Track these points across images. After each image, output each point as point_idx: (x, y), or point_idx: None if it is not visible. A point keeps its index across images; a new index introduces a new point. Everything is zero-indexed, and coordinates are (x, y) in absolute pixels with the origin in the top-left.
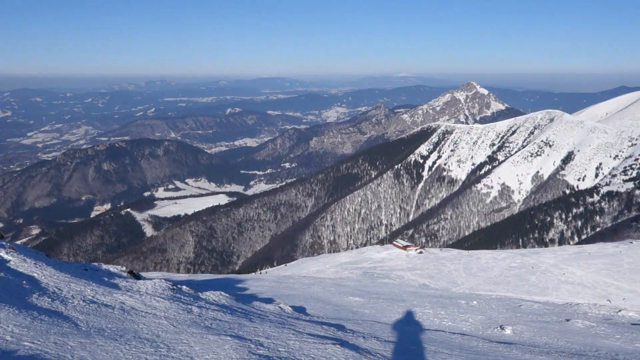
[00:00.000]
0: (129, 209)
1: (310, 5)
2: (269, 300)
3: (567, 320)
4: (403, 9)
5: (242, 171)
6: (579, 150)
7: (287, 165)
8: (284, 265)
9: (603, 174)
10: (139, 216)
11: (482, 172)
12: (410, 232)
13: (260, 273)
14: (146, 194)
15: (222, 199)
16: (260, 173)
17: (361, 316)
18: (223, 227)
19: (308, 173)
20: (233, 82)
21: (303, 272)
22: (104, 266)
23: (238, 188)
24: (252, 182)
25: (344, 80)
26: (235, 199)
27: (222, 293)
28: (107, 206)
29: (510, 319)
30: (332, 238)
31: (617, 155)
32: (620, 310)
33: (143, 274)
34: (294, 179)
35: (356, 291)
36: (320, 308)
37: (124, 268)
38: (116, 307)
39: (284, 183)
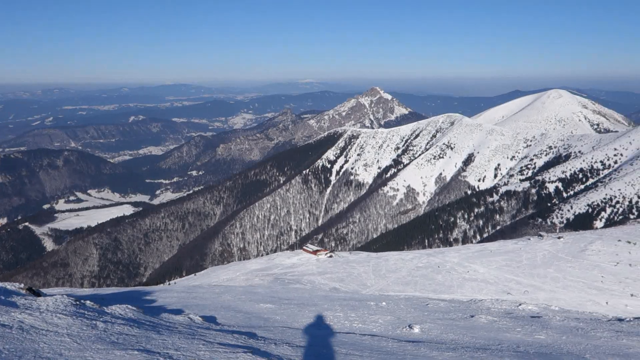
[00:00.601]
0: (26, 223)
1: (212, 9)
2: (178, 311)
3: (472, 316)
4: (306, 15)
5: (147, 180)
6: (478, 152)
7: (194, 173)
8: (193, 275)
9: (501, 174)
10: (38, 230)
11: (388, 175)
12: (320, 236)
13: (169, 284)
14: (45, 206)
15: (127, 210)
16: (167, 182)
17: (273, 323)
18: (129, 239)
19: (216, 180)
20: (136, 89)
21: (213, 281)
22: (0, 284)
23: (144, 198)
24: (158, 191)
25: (250, 86)
26: (140, 209)
27: (129, 306)
28: (3, 221)
29: (418, 318)
30: (242, 245)
31: (513, 156)
32: (520, 304)
33: (44, 290)
34: (202, 187)
35: (267, 298)
36: (231, 317)
37: (22, 285)
38: (14, 326)
39: (191, 191)
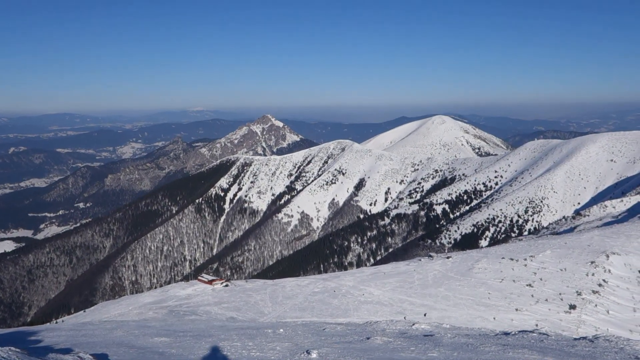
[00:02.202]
0: None
1: (95, 35)
2: (67, 351)
3: (368, 338)
4: (195, 42)
5: (30, 214)
6: (369, 177)
7: (81, 205)
8: (82, 311)
9: (392, 197)
10: None
11: (282, 201)
12: (215, 265)
13: (57, 322)
14: None
15: (9, 246)
16: (52, 215)
17: (168, 357)
18: (10, 277)
19: (105, 212)
20: (16, 119)
21: (104, 316)
22: None
23: (26, 232)
24: (42, 225)
25: (139, 114)
26: (23, 244)
27: (12, 348)
28: None
29: (316, 343)
30: (134, 278)
31: (402, 180)
32: (414, 324)
33: None
34: (90, 219)
35: (162, 331)
36: (124, 353)
37: None
38: None
39: (78, 224)
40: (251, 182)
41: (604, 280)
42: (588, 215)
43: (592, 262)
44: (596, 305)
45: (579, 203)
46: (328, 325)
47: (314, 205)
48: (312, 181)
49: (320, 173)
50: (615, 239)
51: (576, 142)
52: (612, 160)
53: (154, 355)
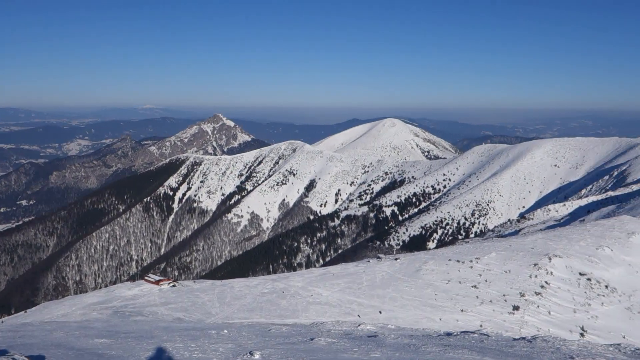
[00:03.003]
0: None
1: (42, 28)
2: (2, 352)
3: (312, 339)
4: (144, 38)
5: None
6: (320, 178)
7: (24, 202)
8: (23, 312)
9: (342, 199)
10: None
11: (232, 202)
12: (163, 265)
13: None
14: None
15: None
16: None
17: (107, 358)
18: None
19: (49, 210)
20: None
21: (46, 317)
22: None
23: None
24: None
25: (87, 111)
26: None
27: None
28: None
29: (260, 344)
30: (78, 278)
31: (353, 182)
32: (359, 325)
33: None
34: (33, 217)
35: (103, 332)
36: (62, 354)
37: None
38: None
39: (20, 222)
40: (201, 182)
41: (546, 282)
42: (532, 219)
43: (535, 265)
44: (538, 306)
45: (523, 207)
46: (274, 326)
47: (264, 206)
48: (263, 182)
49: (271, 173)
50: (558, 241)
51: (522, 147)
52: (556, 165)
53: (93, 357)
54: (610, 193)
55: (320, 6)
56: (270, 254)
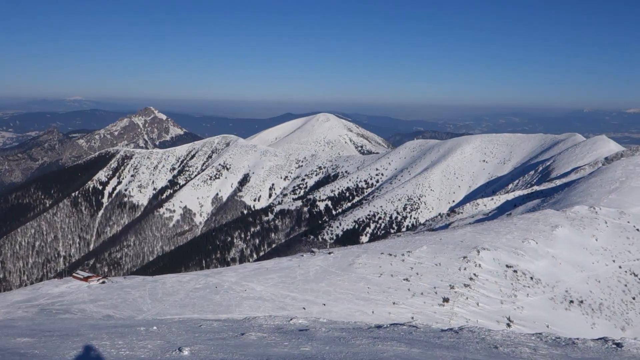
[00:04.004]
0: None
1: None
2: None
3: (242, 334)
4: (72, 24)
5: None
6: (253, 173)
7: None
8: None
9: (276, 194)
10: None
11: (164, 196)
12: (92, 262)
13: None
14: None
15: None
16: None
17: (29, 358)
18: None
19: None
20: None
21: None
22: None
23: None
24: None
25: (10, 102)
26: None
27: None
28: None
29: (189, 340)
30: (1, 276)
31: (286, 176)
32: (291, 319)
33: None
34: None
35: (27, 331)
36: None
37: None
38: None
39: None
40: (132, 176)
41: (474, 274)
42: (462, 213)
43: (464, 257)
44: (467, 298)
45: (453, 201)
46: (205, 322)
47: (197, 200)
48: (196, 176)
49: (204, 168)
50: (486, 235)
51: (452, 142)
52: (484, 160)
53: (14, 356)
54: (536, 187)
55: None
56: (203, 249)
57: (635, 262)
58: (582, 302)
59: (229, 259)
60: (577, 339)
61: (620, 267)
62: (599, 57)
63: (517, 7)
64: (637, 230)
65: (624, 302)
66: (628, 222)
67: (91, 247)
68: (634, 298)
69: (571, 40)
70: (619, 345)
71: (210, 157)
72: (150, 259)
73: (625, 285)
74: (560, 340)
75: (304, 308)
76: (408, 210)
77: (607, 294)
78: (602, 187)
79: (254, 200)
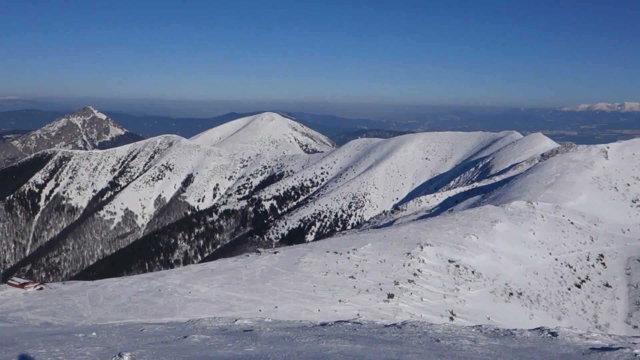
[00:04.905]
0: None
1: None
2: None
3: (185, 337)
4: (4, 24)
5: None
6: (197, 173)
7: None
8: None
9: (220, 194)
10: None
11: (105, 198)
12: (28, 267)
13: None
14: None
15: None
16: None
17: None
18: None
19: None
20: None
21: None
22: None
23: None
24: None
25: None
26: None
27: None
28: None
29: (130, 345)
30: None
31: (231, 176)
32: (236, 320)
33: None
34: None
35: None
36: None
37: None
38: None
39: None
40: (70, 178)
41: (418, 270)
42: (405, 210)
43: (408, 254)
44: (411, 293)
45: (397, 198)
46: (148, 325)
47: (139, 202)
48: (138, 177)
49: (146, 168)
50: (429, 231)
51: (396, 141)
52: (427, 158)
53: None
54: (476, 184)
55: None
56: (146, 252)
57: (570, 254)
58: (521, 294)
59: (172, 261)
60: (515, 329)
61: (556, 259)
62: (533, 58)
63: (453, 9)
64: (572, 223)
65: (560, 293)
66: (563, 215)
67: (27, 252)
68: (569, 289)
69: (506, 41)
70: (554, 334)
71: (152, 157)
72: (91, 263)
73: (561, 277)
74: (499, 331)
75: (250, 309)
76: (353, 208)
77: (545, 285)
78: (538, 183)
79: (198, 201)
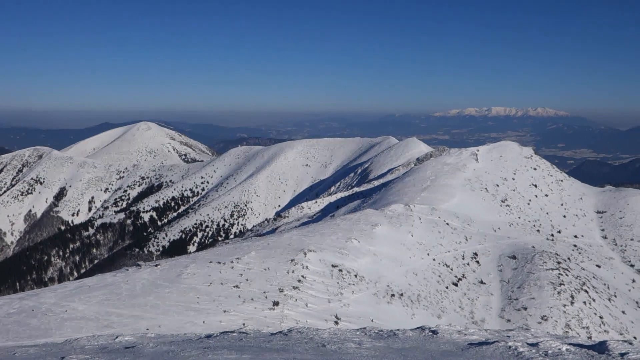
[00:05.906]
0: None
1: None
2: None
3: (62, 358)
4: None
5: None
6: (70, 186)
7: None
8: None
9: (96, 207)
10: None
11: None
12: None
13: None
14: None
15: None
16: None
17: None
18: None
19: None
20: None
21: None
22: None
23: None
24: None
25: None
26: None
27: None
28: None
29: None
30: None
31: (107, 188)
32: (117, 337)
33: None
34: None
35: None
36: None
37: None
38: None
39: None
40: None
41: (302, 276)
42: (288, 217)
43: (292, 260)
44: (296, 300)
45: (279, 205)
46: (20, 348)
47: (7, 219)
48: (5, 192)
49: (14, 183)
50: (312, 237)
51: (276, 148)
52: (307, 165)
53: None
54: (356, 189)
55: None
56: (16, 271)
57: (447, 254)
58: (402, 295)
59: (46, 279)
60: (398, 330)
61: (434, 259)
62: (406, 65)
63: (325, 19)
64: (447, 224)
65: (439, 292)
66: (439, 217)
67: None
68: (447, 287)
69: (379, 49)
70: (434, 332)
71: (20, 171)
72: None
73: (439, 276)
74: (382, 332)
75: (131, 324)
76: (235, 217)
77: (424, 285)
78: (415, 186)
79: (73, 215)
